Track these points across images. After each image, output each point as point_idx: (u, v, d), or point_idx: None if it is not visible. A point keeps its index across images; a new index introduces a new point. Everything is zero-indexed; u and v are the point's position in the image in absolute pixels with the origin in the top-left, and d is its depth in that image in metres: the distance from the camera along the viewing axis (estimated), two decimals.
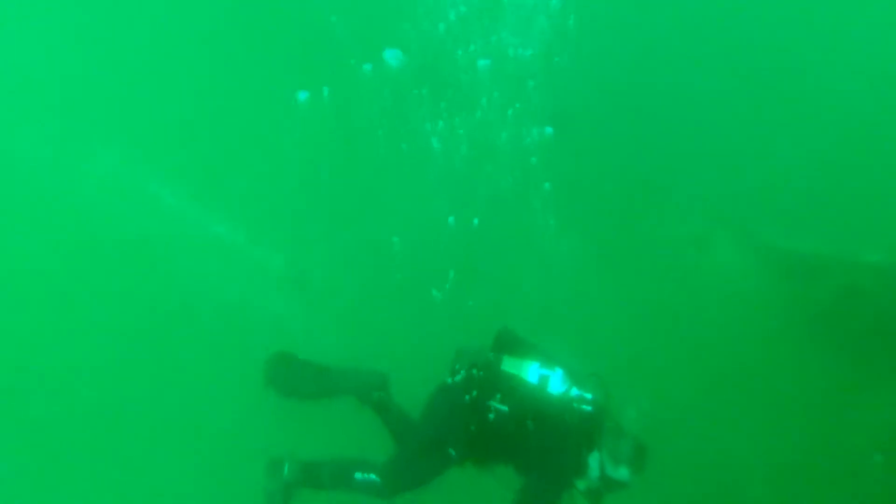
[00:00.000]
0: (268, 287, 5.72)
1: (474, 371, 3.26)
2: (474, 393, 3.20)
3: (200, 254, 5.80)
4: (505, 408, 3.15)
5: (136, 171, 6.02)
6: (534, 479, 3.16)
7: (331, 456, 3.39)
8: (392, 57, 5.58)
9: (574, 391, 3.16)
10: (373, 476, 3.28)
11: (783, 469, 4.72)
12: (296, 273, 5.87)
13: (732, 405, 4.96)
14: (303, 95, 5.87)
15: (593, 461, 3.09)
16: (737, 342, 5.20)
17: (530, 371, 3.21)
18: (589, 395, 3.15)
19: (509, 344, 3.36)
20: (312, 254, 5.72)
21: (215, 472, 4.86)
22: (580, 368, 3.30)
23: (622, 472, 3.08)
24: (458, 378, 3.32)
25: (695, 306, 5.36)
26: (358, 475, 3.29)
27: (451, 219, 5.31)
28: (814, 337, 5.11)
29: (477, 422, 3.18)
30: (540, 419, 3.12)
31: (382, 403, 3.46)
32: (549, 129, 5.78)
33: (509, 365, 3.25)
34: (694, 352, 5.14)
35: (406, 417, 3.47)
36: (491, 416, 3.15)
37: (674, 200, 5.90)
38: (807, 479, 4.65)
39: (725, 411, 4.92)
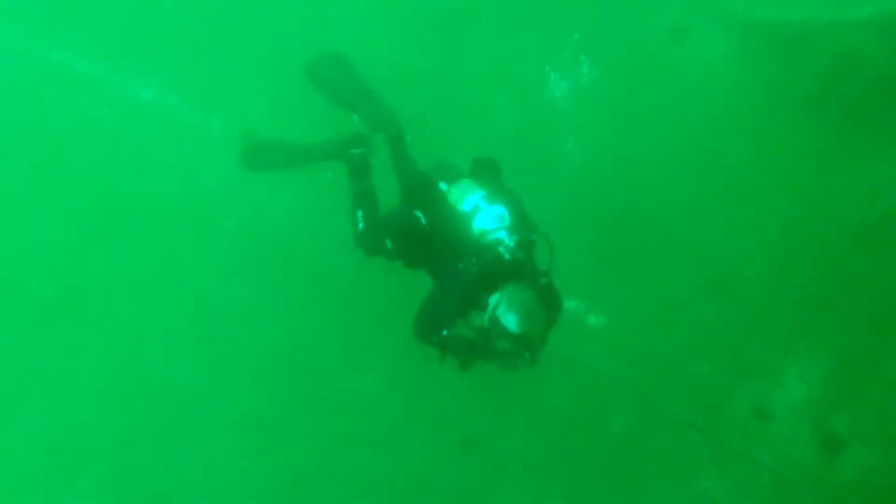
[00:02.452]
0: (214, 148, 5.23)
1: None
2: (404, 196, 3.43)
3: (131, 122, 5.27)
4: (423, 220, 3.21)
5: (35, 37, 5.32)
6: (433, 293, 3.21)
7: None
8: None
9: (502, 234, 3.08)
10: (360, 224, 3.62)
11: (774, 246, 4.59)
12: (243, 131, 5.34)
13: (726, 196, 4.75)
14: None
15: (492, 300, 2.95)
16: (726, 133, 4.87)
17: (468, 198, 3.17)
18: (511, 243, 3.04)
19: (476, 169, 3.42)
20: (255, 111, 5.18)
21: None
22: (527, 221, 3.24)
23: (510, 321, 2.89)
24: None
25: (677, 102, 4.95)
26: (360, 212, 3.63)
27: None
28: (806, 110, 4.76)
29: (400, 223, 3.34)
30: (446, 242, 3.13)
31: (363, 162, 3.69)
32: None
33: (457, 185, 3.25)
34: (680, 149, 4.82)
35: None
36: (410, 222, 3.25)
37: None
38: (798, 252, 4.54)
39: (715, 201, 4.70)
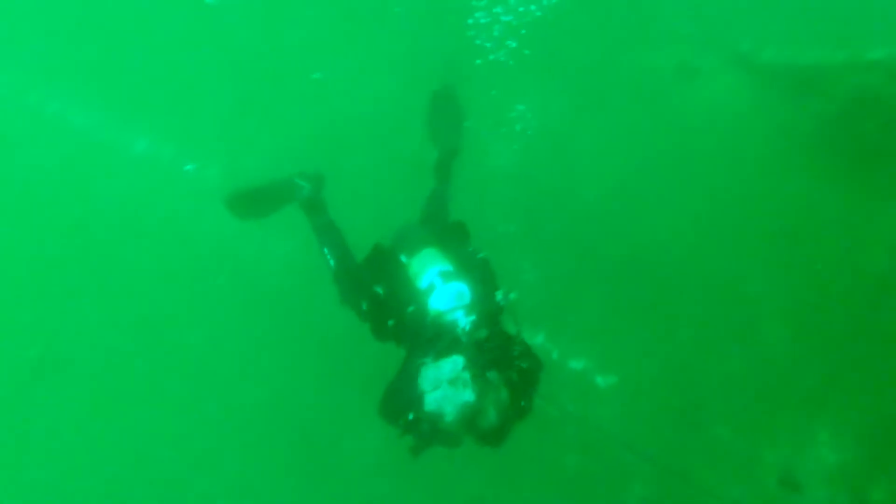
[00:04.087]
0: (206, 200, 5.07)
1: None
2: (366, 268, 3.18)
3: (125, 173, 5.15)
4: (381, 293, 3.01)
5: (32, 89, 5.26)
6: (399, 374, 2.92)
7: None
8: None
9: (458, 314, 2.80)
10: (331, 262, 3.41)
11: (796, 298, 4.31)
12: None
13: (736, 241, 4.51)
14: None
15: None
16: (738, 178, 4.67)
17: (426, 274, 2.92)
18: (467, 325, 2.76)
19: (442, 236, 3.18)
20: (249, 161, 5.06)
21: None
22: (490, 294, 2.91)
23: (448, 418, 2.60)
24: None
25: (687, 141, 4.77)
26: (325, 249, 3.43)
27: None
28: (820, 154, 4.56)
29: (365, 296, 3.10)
30: (401, 322, 2.91)
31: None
32: None
33: (417, 258, 3.00)
34: (689, 190, 4.62)
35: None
36: (369, 296, 3.05)
37: (654, 27, 5.18)
38: (822, 306, 4.25)
39: (729, 247, 4.46)
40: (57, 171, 5.13)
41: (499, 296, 2.93)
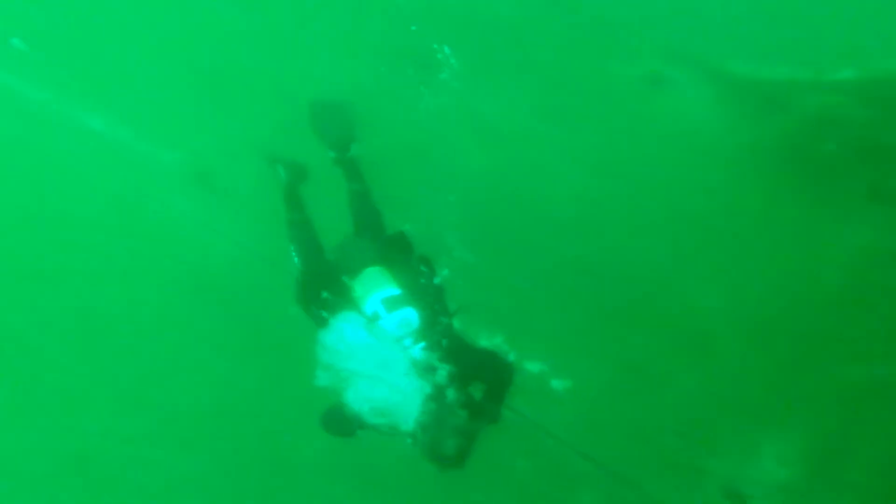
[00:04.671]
0: (166, 186, 4.91)
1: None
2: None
3: (79, 153, 4.93)
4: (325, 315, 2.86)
5: None
6: None
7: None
8: None
9: (406, 343, 2.72)
10: (296, 260, 3.33)
11: (750, 312, 4.36)
12: (199, 169, 5.04)
13: (693, 252, 4.54)
14: None
15: None
16: (701, 190, 4.69)
17: (370, 299, 2.80)
18: (416, 353, 2.72)
19: (384, 252, 3.03)
20: (214, 148, 4.90)
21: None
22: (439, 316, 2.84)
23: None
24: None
25: (651, 152, 4.77)
26: (293, 247, 3.36)
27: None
28: (781, 171, 4.61)
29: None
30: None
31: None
32: None
33: (360, 279, 2.87)
34: (651, 199, 4.62)
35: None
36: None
37: (625, 35, 5.15)
38: (775, 320, 4.31)
39: (686, 259, 4.49)
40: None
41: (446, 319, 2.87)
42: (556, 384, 4.43)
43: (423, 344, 2.73)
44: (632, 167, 4.67)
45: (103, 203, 4.80)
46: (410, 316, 2.77)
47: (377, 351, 2.65)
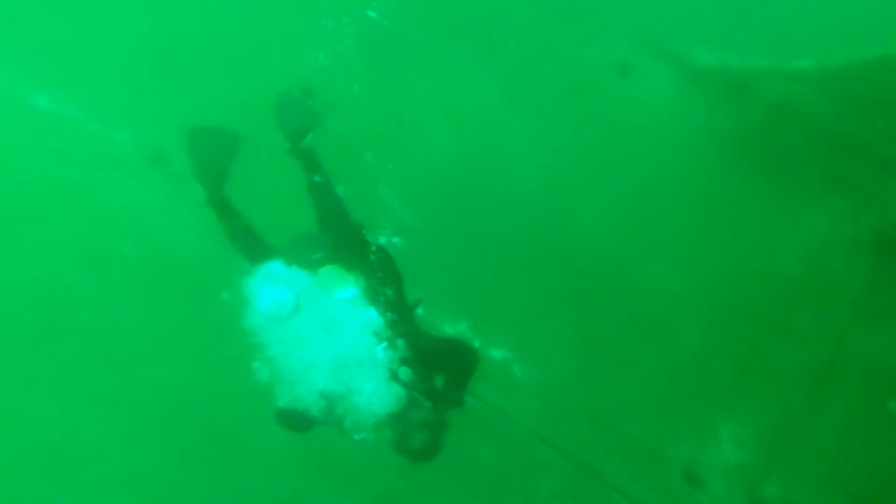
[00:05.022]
0: (117, 168, 4.72)
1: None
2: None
3: (22, 131, 4.71)
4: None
5: None
6: None
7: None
8: None
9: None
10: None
11: (709, 299, 4.42)
12: (153, 151, 4.86)
13: (656, 239, 4.56)
14: None
15: None
16: (665, 175, 4.71)
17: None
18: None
19: (340, 246, 2.95)
20: (167, 129, 4.72)
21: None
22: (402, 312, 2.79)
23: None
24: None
25: (616, 140, 4.77)
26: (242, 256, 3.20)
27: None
28: (743, 159, 4.66)
29: None
30: None
31: None
32: None
33: (318, 277, 2.76)
34: (614, 186, 4.63)
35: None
36: None
37: (591, 21, 5.11)
38: (734, 307, 4.38)
39: (649, 246, 4.51)
40: None
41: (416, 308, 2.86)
42: (520, 371, 4.44)
43: (384, 344, 2.67)
44: (597, 154, 4.66)
45: (55, 186, 4.60)
46: (371, 316, 2.70)
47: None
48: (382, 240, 3.03)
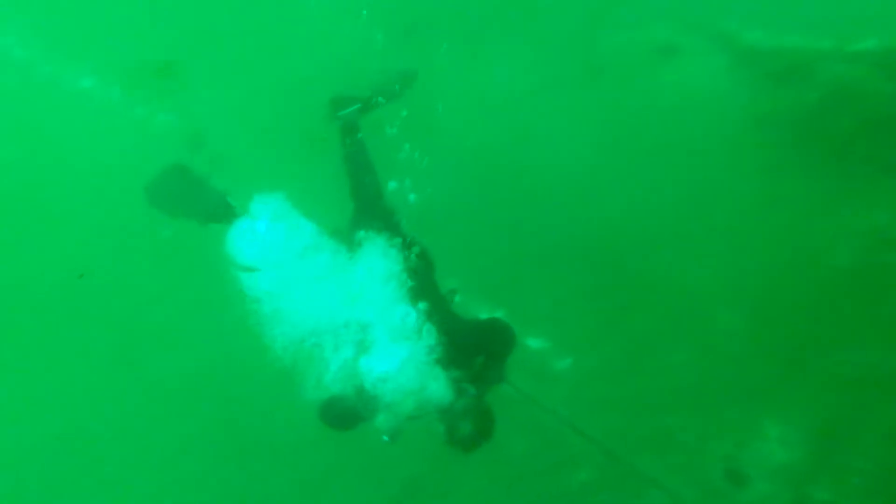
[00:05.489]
0: (157, 149, 4.76)
1: None
2: None
3: (67, 112, 4.78)
4: None
5: None
6: None
7: None
8: None
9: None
10: None
11: (755, 291, 4.23)
12: (192, 133, 4.89)
13: (699, 228, 4.39)
14: None
15: None
16: (711, 163, 4.52)
17: None
18: None
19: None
20: (206, 112, 4.74)
21: None
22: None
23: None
24: None
25: (658, 123, 4.60)
26: None
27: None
28: (793, 144, 4.43)
29: None
30: None
31: None
32: None
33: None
34: (656, 174, 4.47)
35: None
36: None
37: (633, 4, 4.93)
38: (781, 300, 4.17)
39: (691, 235, 4.34)
40: None
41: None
42: (556, 361, 4.34)
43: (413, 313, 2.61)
44: (638, 139, 4.51)
45: (96, 165, 4.67)
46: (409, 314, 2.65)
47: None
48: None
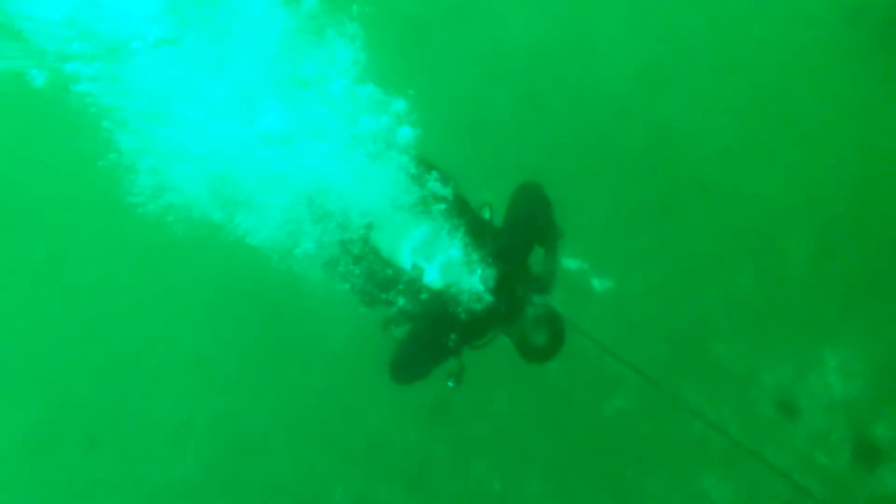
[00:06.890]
0: None
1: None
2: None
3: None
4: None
5: None
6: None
7: None
8: None
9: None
10: None
11: (827, 216, 3.81)
12: None
13: (769, 144, 3.95)
14: None
15: None
16: (781, 67, 4.01)
17: (404, 250, 2.51)
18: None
19: None
20: None
21: None
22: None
23: None
24: None
25: (728, 24, 4.10)
26: None
27: None
28: (883, 52, 3.87)
29: None
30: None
31: None
32: None
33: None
34: (723, 80, 4.00)
35: None
36: None
37: None
38: (855, 229, 3.76)
39: (759, 151, 3.91)
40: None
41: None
42: (597, 283, 4.06)
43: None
44: (705, 42, 4.02)
45: None
46: (452, 257, 2.44)
47: None
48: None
